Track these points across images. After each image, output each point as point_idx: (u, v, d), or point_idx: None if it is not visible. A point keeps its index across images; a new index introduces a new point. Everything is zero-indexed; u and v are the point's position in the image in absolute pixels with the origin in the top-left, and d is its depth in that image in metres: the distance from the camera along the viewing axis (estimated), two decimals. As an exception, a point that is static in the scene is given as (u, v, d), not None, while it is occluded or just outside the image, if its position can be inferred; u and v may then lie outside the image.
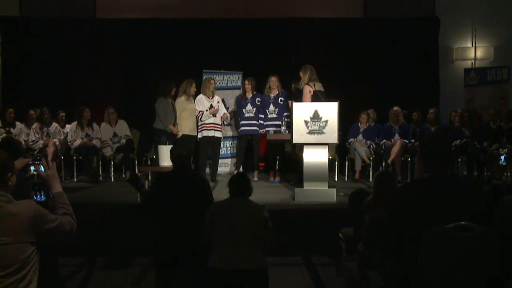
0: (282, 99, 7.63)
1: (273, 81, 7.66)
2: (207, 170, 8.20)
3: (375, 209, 3.59)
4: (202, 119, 7.71)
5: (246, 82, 7.89)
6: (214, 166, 7.95)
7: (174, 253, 3.69)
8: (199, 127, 7.78)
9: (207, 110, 7.68)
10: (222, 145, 8.37)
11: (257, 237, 3.41)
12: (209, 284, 3.40)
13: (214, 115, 7.74)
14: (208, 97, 7.76)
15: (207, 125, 7.73)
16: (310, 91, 6.62)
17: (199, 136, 7.80)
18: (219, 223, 3.42)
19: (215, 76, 8.67)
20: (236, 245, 3.35)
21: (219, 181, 7.68)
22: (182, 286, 3.77)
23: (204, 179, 4.06)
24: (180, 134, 7.59)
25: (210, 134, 7.75)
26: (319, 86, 6.73)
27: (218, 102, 7.89)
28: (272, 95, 7.69)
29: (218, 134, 7.87)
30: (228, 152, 8.93)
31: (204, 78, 8.55)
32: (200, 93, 7.82)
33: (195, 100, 7.77)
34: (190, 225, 3.67)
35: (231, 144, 8.98)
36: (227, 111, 8.36)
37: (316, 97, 6.55)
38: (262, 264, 3.40)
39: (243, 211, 3.46)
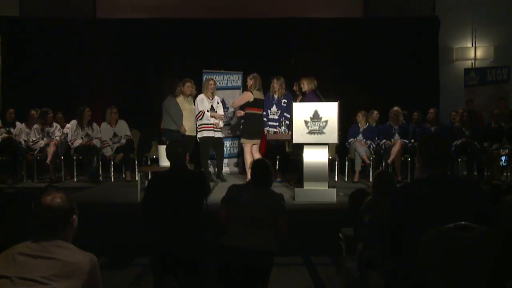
0: (285, 101, 7.59)
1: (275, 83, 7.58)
2: (211, 169, 8.19)
3: (375, 209, 3.59)
4: (202, 119, 7.71)
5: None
6: (220, 165, 7.98)
7: (171, 252, 3.69)
8: (198, 127, 7.75)
9: (208, 111, 7.68)
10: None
11: (272, 224, 3.58)
12: (218, 260, 3.54)
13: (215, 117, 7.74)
14: (208, 98, 7.77)
15: (207, 125, 7.73)
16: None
17: (199, 136, 7.77)
18: (239, 206, 3.57)
19: (215, 76, 8.67)
20: (251, 228, 3.50)
21: (226, 180, 7.69)
22: (180, 286, 3.77)
23: (200, 172, 4.07)
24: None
25: (210, 135, 7.75)
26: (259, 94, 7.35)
27: (218, 102, 7.90)
28: (276, 97, 7.63)
29: (218, 135, 7.88)
30: (228, 152, 8.92)
31: (204, 78, 8.54)
32: (202, 93, 7.82)
33: (196, 100, 7.75)
34: (187, 224, 3.68)
35: (231, 144, 8.97)
36: (226, 111, 8.33)
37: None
38: (272, 248, 3.55)
39: (263, 199, 3.61)
